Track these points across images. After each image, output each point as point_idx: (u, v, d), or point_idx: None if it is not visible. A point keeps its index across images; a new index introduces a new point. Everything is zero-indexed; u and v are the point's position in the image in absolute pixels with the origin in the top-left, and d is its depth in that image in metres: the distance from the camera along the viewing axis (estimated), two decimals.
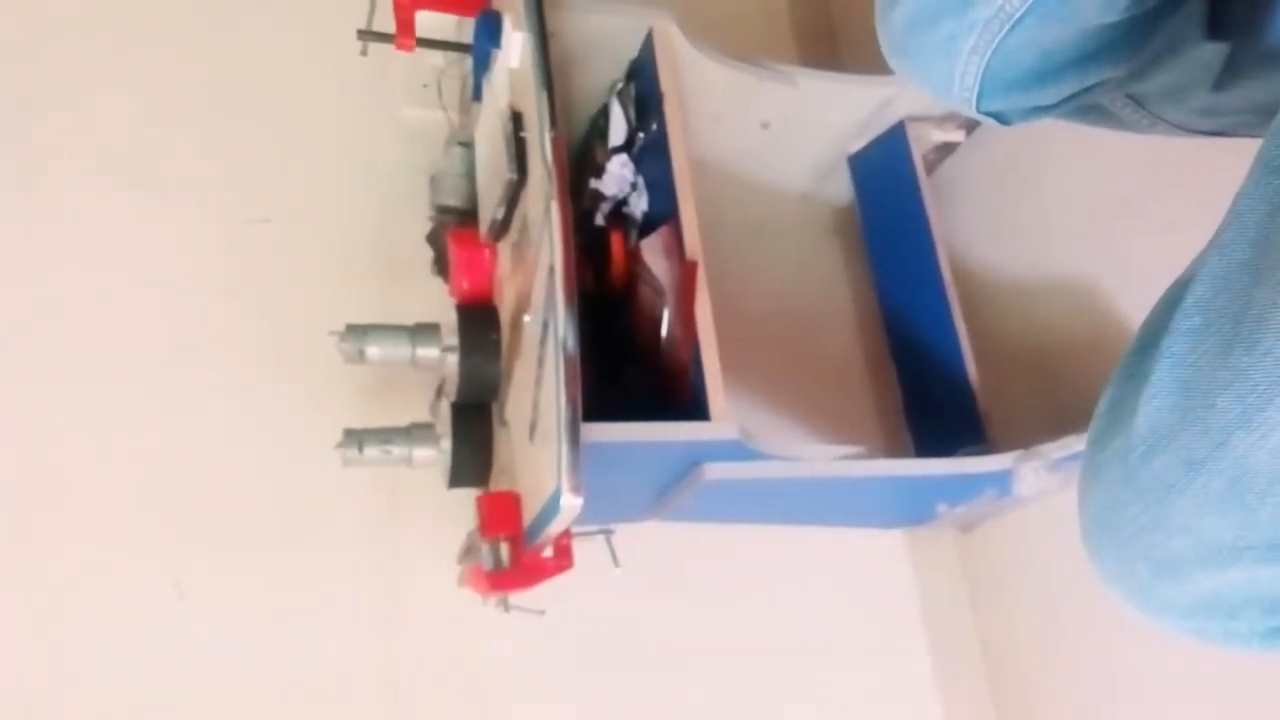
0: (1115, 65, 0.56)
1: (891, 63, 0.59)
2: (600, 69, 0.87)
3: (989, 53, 0.55)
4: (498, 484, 0.77)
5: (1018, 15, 0.52)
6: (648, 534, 0.85)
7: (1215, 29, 0.51)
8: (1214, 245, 0.38)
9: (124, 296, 0.87)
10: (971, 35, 0.54)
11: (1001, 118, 0.61)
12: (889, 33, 0.58)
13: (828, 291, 1.06)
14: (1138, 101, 0.61)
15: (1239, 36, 0.49)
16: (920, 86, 0.59)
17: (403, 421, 0.79)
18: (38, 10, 0.94)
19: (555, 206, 0.64)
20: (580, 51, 0.85)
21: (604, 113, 0.87)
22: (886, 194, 1.00)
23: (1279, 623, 0.38)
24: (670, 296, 0.74)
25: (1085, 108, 0.62)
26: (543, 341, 0.65)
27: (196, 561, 0.81)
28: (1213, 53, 0.51)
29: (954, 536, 1.00)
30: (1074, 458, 0.77)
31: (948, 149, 1.02)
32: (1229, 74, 0.51)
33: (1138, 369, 0.40)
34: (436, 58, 0.90)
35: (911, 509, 0.91)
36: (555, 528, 0.63)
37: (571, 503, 0.59)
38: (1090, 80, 0.58)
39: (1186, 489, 0.36)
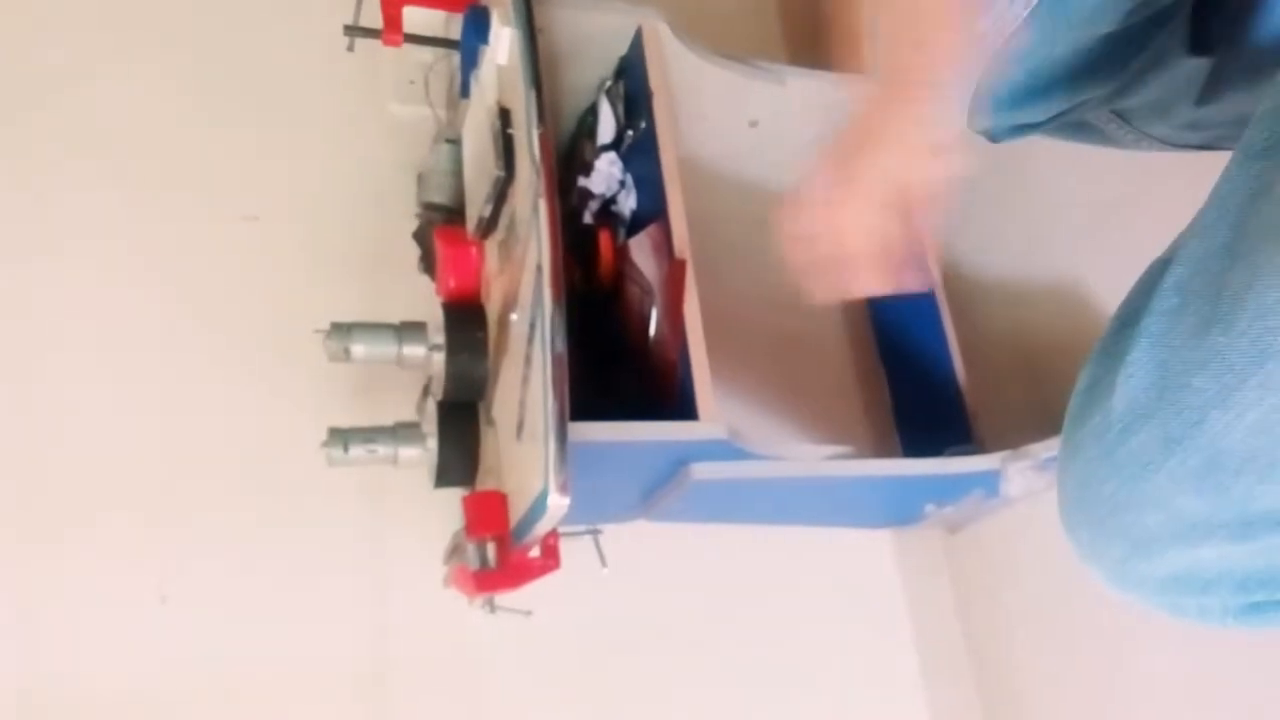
0: (1103, 82, 0.57)
1: None
2: (589, 66, 0.87)
3: (983, 71, 0.55)
4: (484, 483, 0.77)
5: (1012, 32, 0.52)
6: (635, 534, 0.84)
7: (1198, 44, 0.51)
8: (1194, 228, 0.38)
9: (109, 293, 0.86)
10: None
11: (991, 135, 0.61)
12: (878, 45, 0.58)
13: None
14: (1123, 117, 0.61)
15: (1221, 51, 0.50)
16: None
17: (388, 420, 0.79)
18: (26, 8, 0.93)
19: (543, 204, 0.64)
20: (569, 48, 0.85)
21: (592, 110, 0.87)
22: None
23: (1250, 599, 0.38)
24: (658, 295, 0.74)
25: (1072, 124, 0.63)
26: (530, 340, 0.64)
27: (179, 563, 0.80)
28: (1196, 68, 0.51)
29: (941, 537, 1.00)
30: None
31: None
32: (1212, 88, 0.51)
33: (1116, 348, 0.40)
34: (424, 54, 0.90)
35: (899, 509, 0.91)
36: (542, 528, 0.63)
37: (559, 502, 0.58)
38: (1079, 97, 0.58)
39: (1162, 466, 0.37)
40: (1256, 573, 0.37)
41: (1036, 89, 0.57)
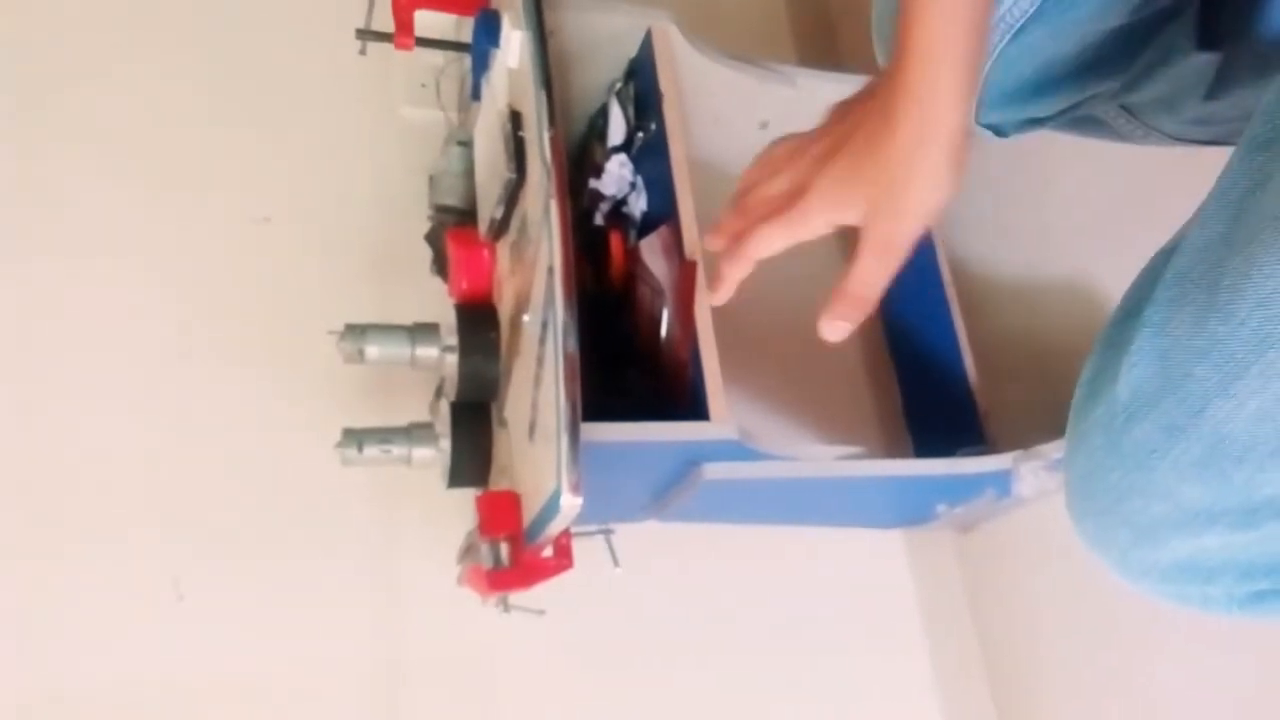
0: (1111, 77, 0.57)
1: None
2: (599, 68, 0.87)
3: (989, 64, 0.55)
4: (497, 484, 0.77)
5: (1019, 25, 0.52)
6: (647, 534, 0.85)
7: (1206, 40, 0.51)
8: (1196, 219, 0.39)
9: (121, 295, 0.87)
10: None
11: (998, 130, 0.61)
12: (887, 46, 0.58)
13: (827, 291, 1.06)
14: (1131, 112, 0.61)
15: (1230, 46, 0.50)
16: None
17: (402, 421, 0.79)
18: (37, 9, 0.94)
19: (554, 206, 0.64)
20: (579, 51, 0.85)
21: (603, 112, 0.87)
22: None
23: (1254, 588, 0.38)
24: (669, 296, 0.74)
25: (1080, 119, 0.63)
26: (542, 341, 0.64)
27: (195, 562, 0.81)
28: (1204, 62, 0.51)
29: (952, 537, 0.99)
30: None
31: None
32: (1221, 83, 0.51)
33: (1119, 338, 0.41)
34: (435, 57, 0.90)
35: (911, 509, 0.91)
36: (555, 527, 0.63)
37: (571, 502, 0.58)
38: (1087, 92, 0.58)
39: (1166, 455, 0.37)
40: (1260, 561, 0.37)
41: (1044, 83, 0.57)
